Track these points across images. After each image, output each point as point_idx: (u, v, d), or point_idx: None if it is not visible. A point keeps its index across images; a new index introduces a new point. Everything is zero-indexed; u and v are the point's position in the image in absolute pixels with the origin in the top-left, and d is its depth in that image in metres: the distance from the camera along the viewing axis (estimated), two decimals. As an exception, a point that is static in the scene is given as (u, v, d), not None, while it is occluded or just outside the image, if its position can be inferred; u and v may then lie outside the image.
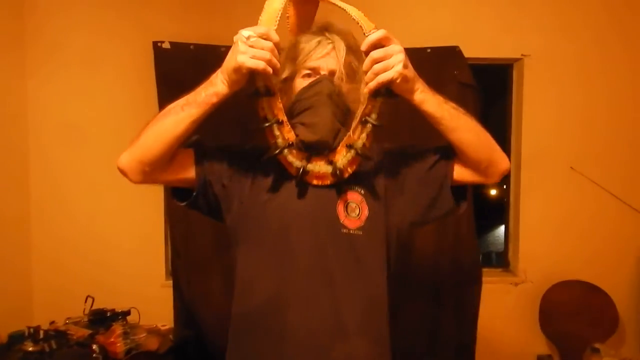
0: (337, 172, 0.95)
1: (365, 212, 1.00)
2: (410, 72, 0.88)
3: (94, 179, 2.49)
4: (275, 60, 0.83)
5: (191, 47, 2.41)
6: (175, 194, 1.06)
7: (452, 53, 2.42)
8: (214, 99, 0.87)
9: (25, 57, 2.43)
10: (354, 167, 0.99)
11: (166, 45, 2.41)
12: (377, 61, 0.85)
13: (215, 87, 0.87)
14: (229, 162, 1.03)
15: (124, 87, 2.49)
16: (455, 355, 2.48)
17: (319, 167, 0.97)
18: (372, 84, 0.86)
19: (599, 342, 2.32)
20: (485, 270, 2.56)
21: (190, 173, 1.00)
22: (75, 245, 2.50)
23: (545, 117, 2.55)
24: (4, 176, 2.34)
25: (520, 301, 2.57)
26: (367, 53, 0.86)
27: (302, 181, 0.97)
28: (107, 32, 2.47)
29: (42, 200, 2.49)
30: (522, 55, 2.54)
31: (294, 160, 0.95)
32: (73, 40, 2.46)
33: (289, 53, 1.02)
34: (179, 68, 2.39)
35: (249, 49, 0.81)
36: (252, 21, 0.88)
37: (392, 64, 0.84)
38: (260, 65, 0.81)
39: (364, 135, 0.96)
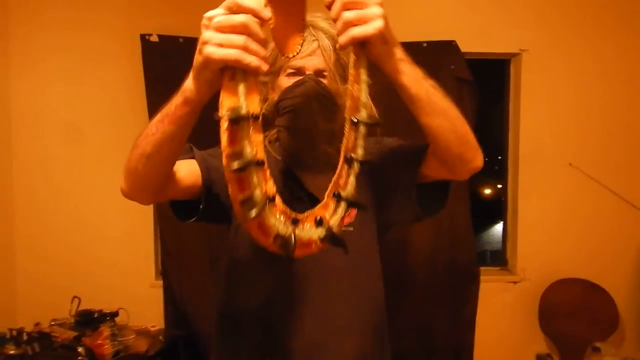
0: (332, 237, 0.69)
1: (355, 209, 0.96)
2: (389, 31, 0.70)
3: (82, 176, 2.43)
4: (254, 44, 0.58)
5: (180, 40, 2.35)
6: (177, 212, 0.95)
7: (448, 47, 2.39)
8: (186, 109, 0.69)
9: (9, 49, 2.37)
10: (350, 218, 0.91)
11: (154, 39, 2.35)
12: (348, 6, 0.65)
13: (184, 93, 0.68)
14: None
15: (110, 80, 2.43)
16: (454, 355, 2.44)
17: (307, 231, 0.68)
18: (344, 39, 0.65)
19: (599, 341, 2.29)
20: (483, 269, 2.52)
21: (197, 182, 0.90)
22: (61, 245, 2.43)
23: (544, 112, 2.51)
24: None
25: (519, 300, 2.53)
26: None
27: (288, 255, 0.67)
28: (94, 23, 2.40)
29: (26, 197, 2.42)
30: (520, 49, 2.50)
31: (276, 223, 0.64)
32: (58, 32, 2.40)
33: (273, 49, 0.94)
34: (167, 62, 2.32)
35: (215, 35, 0.58)
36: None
37: (370, 17, 0.65)
38: (230, 55, 0.57)
39: (352, 178, 0.70)
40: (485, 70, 2.61)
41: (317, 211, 0.70)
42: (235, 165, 0.58)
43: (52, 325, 2.06)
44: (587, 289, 2.44)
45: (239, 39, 0.57)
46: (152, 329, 2.24)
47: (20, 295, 2.40)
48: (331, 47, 0.93)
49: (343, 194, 0.70)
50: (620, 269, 2.51)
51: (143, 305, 2.35)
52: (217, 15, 0.59)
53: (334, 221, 0.69)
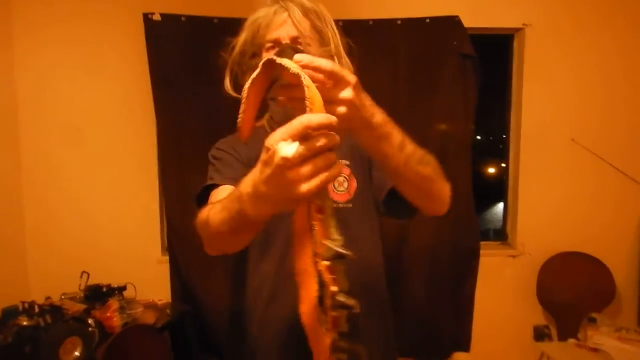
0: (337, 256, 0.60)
1: (354, 185, 1.01)
2: (365, 113, 0.64)
3: (89, 155, 2.46)
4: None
5: (182, 18, 2.34)
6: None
7: (451, 23, 2.37)
8: (256, 226, 0.67)
9: (12, 30, 2.36)
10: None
11: (157, 17, 2.33)
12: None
13: (245, 214, 0.61)
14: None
15: (113, 60, 2.43)
16: (454, 327, 2.49)
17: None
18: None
19: (595, 312, 2.33)
20: (483, 243, 2.56)
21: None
22: (70, 223, 2.47)
23: (547, 88, 2.51)
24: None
25: (518, 273, 2.57)
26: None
27: None
28: (96, 10, 2.39)
29: (34, 176, 2.44)
30: (523, 24, 2.48)
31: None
32: (60, 12, 2.38)
33: (250, 28, 0.99)
34: (170, 40, 2.34)
35: (301, 172, 0.50)
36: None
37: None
38: (321, 181, 0.51)
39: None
40: (488, 45, 2.60)
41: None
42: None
43: (63, 298, 2.11)
44: (585, 262, 2.48)
45: (326, 161, 0.51)
46: (159, 302, 2.30)
47: (31, 271, 2.45)
48: (301, 15, 0.95)
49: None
50: (619, 242, 2.55)
51: (150, 280, 2.40)
52: (294, 153, 0.49)
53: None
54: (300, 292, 0.59)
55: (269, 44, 0.97)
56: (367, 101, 0.64)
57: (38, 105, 2.42)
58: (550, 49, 2.49)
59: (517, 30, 2.54)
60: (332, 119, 0.50)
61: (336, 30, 0.99)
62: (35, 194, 2.45)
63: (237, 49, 1.01)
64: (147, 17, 2.33)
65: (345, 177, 1.01)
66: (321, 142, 0.49)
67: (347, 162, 1.02)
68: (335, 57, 0.98)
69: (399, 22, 2.39)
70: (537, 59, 2.50)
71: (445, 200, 0.88)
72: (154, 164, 2.46)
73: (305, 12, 0.96)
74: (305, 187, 0.50)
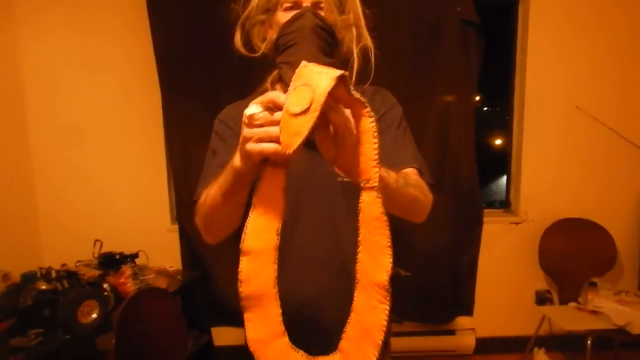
0: None
1: None
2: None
3: (99, 125, 2.52)
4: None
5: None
6: None
7: (455, -12, 2.34)
8: (238, 180, 0.72)
9: (14, 15, 2.40)
10: None
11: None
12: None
13: (235, 170, 0.71)
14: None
15: (117, 35, 2.45)
16: (457, 292, 2.55)
17: None
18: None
19: (596, 277, 2.37)
20: (487, 211, 2.60)
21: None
22: (82, 193, 2.55)
23: (551, 55, 2.49)
24: (3, 121, 2.36)
25: (520, 240, 2.61)
26: None
27: None
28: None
29: (44, 148, 2.51)
30: (528, -11, 2.45)
31: None
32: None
33: None
34: (173, 7, 2.32)
35: (254, 132, 0.62)
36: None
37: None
38: (268, 148, 0.61)
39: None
40: (492, 12, 2.56)
41: None
42: None
43: (78, 265, 2.19)
44: (587, 228, 2.51)
45: (275, 131, 0.60)
46: (170, 269, 2.37)
47: (44, 240, 2.55)
48: None
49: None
50: (621, 209, 2.57)
51: (161, 248, 2.47)
52: (256, 112, 0.62)
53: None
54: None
55: (287, 4, 0.93)
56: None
57: (45, 82, 2.47)
58: (556, 14, 2.46)
59: (523, -5, 2.51)
60: (278, 97, 0.60)
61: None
62: (46, 170, 2.52)
63: (253, 2, 0.97)
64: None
65: None
66: (274, 116, 0.59)
67: None
68: (353, 27, 0.96)
69: (401, -13, 2.35)
70: (542, 25, 2.47)
71: (426, 211, 0.96)
72: (161, 136, 2.51)
73: None
74: (249, 145, 0.62)
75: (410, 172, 0.94)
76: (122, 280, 2.08)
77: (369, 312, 0.61)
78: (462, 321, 2.61)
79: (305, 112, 0.56)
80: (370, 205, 0.61)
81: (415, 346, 2.58)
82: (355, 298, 0.63)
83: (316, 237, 0.98)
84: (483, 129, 3.03)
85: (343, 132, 0.61)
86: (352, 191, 0.95)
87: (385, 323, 0.60)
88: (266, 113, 0.61)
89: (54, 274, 1.91)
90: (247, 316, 0.63)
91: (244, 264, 0.62)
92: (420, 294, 2.50)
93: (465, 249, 2.52)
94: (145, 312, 1.66)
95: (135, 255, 2.29)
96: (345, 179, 0.96)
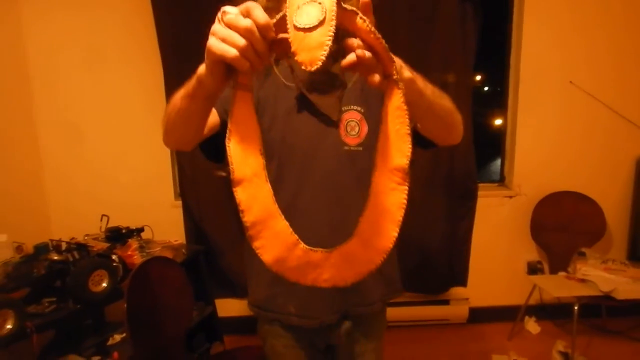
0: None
1: (365, 129, 1.04)
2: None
3: (104, 104, 2.57)
4: (252, 51, 0.59)
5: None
6: (207, 154, 1.09)
7: (452, -36, 2.35)
8: (200, 90, 0.71)
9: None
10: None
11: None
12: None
13: (199, 76, 0.69)
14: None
15: (121, 13, 2.48)
16: (452, 263, 2.64)
17: None
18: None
19: (585, 247, 2.46)
20: (481, 185, 2.67)
21: (216, 121, 1.01)
22: (88, 170, 2.62)
23: (547, 31, 2.52)
24: (7, 96, 2.42)
25: (513, 213, 2.69)
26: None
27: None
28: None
29: (50, 129, 2.57)
30: (524, -35, 2.47)
31: None
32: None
33: None
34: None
35: (222, 30, 0.59)
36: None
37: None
38: (229, 52, 0.58)
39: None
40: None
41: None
42: None
43: (86, 238, 2.27)
44: (577, 200, 2.59)
45: (240, 40, 0.57)
46: (175, 242, 2.45)
47: (53, 215, 2.63)
48: None
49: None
50: (612, 182, 2.64)
51: (165, 223, 2.56)
52: (231, 12, 0.59)
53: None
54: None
55: None
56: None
57: (49, 63, 2.51)
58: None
59: (519, -29, 2.53)
60: (268, 25, 0.58)
61: None
62: (53, 149, 2.59)
63: None
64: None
65: (357, 122, 1.04)
66: (247, 22, 0.57)
67: (359, 108, 1.04)
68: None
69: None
70: (537, 1, 2.50)
71: (461, 130, 0.99)
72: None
73: None
74: (213, 41, 0.59)
75: None
76: (129, 252, 2.16)
77: (388, 193, 0.62)
78: (456, 291, 2.71)
79: (321, 23, 0.54)
80: (392, 97, 0.64)
81: (411, 315, 2.68)
82: (372, 182, 0.64)
83: (322, 204, 1.02)
84: (483, 109, 3.07)
85: (367, 37, 0.62)
86: (359, 159, 1.03)
87: (405, 202, 0.61)
88: (239, 15, 0.58)
89: (64, 246, 1.98)
90: (257, 244, 0.62)
91: (240, 193, 0.61)
92: (416, 265, 2.58)
93: (460, 222, 2.59)
94: (153, 279, 1.74)
95: (141, 230, 2.37)
96: (352, 147, 1.02)
